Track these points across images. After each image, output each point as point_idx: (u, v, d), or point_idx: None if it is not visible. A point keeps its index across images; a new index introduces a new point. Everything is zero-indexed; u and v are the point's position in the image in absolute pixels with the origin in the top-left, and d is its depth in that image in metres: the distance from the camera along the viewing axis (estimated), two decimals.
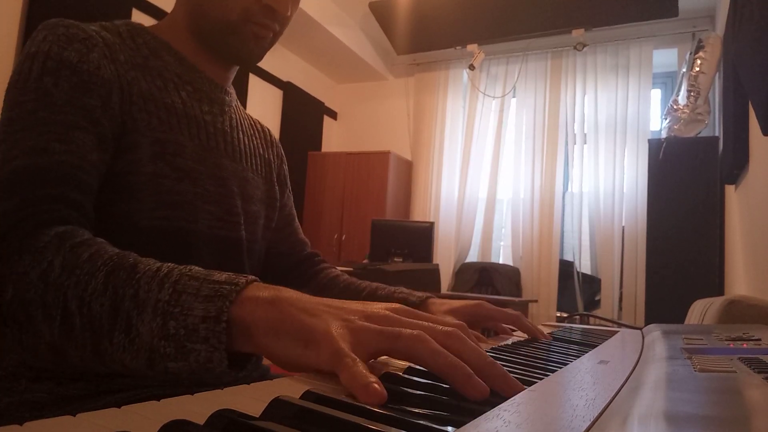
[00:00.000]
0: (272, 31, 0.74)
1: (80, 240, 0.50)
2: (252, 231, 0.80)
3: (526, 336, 0.73)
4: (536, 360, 0.51)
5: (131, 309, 0.43)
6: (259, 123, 0.92)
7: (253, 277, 0.44)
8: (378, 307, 0.42)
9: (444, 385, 0.36)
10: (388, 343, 0.38)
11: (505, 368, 0.37)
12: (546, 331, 0.86)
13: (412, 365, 0.41)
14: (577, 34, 4.27)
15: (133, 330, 0.43)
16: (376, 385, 0.32)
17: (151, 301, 0.43)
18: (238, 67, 0.81)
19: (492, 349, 0.60)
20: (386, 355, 0.39)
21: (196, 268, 0.46)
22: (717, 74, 3.40)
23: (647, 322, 2.83)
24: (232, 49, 0.74)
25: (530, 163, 4.58)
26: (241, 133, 0.82)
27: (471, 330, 0.64)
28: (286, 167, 0.95)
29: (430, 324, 0.40)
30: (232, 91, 0.83)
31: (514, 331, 0.77)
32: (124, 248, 0.60)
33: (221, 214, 0.73)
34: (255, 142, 0.86)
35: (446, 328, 0.40)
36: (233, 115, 0.81)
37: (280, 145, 0.95)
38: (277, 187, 0.89)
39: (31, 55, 0.60)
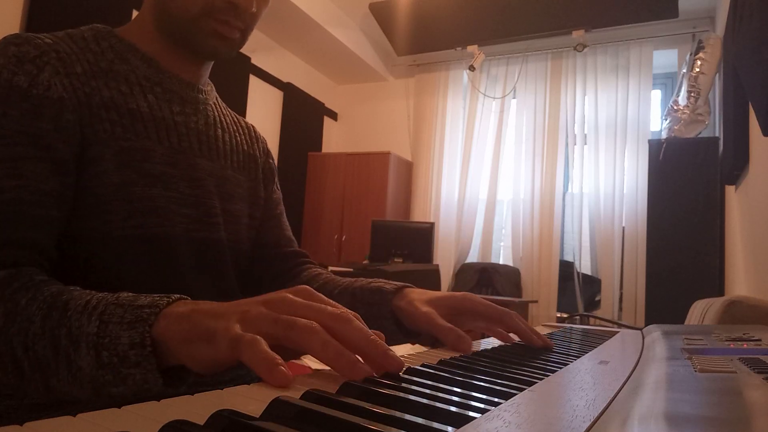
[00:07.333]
0: (238, 30, 0.71)
1: (19, 284, 0.51)
2: (234, 231, 0.78)
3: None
4: (536, 360, 0.51)
5: (68, 346, 0.45)
6: (243, 120, 0.90)
7: (179, 295, 0.46)
8: (276, 293, 0.44)
9: (444, 385, 0.36)
10: (282, 330, 0.40)
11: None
12: (546, 331, 0.86)
13: (410, 366, 0.42)
14: (577, 35, 4.27)
15: (73, 365, 0.45)
16: (282, 368, 0.35)
17: (83, 335, 0.45)
18: (212, 63, 0.78)
19: (492, 348, 0.60)
20: (280, 342, 0.40)
21: (125, 294, 0.47)
22: (717, 75, 3.40)
23: (647, 323, 2.82)
24: (195, 45, 0.71)
25: (530, 163, 4.58)
26: (220, 130, 0.79)
27: (459, 328, 0.61)
28: (273, 162, 0.92)
29: (321, 306, 0.42)
30: (208, 88, 0.80)
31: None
32: (103, 261, 0.61)
33: (199, 216, 0.71)
34: (238, 139, 0.83)
35: (335, 310, 0.42)
36: (210, 113, 0.78)
37: (265, 141, 0.92)
38: (262, 185, 0.86)
39: None
